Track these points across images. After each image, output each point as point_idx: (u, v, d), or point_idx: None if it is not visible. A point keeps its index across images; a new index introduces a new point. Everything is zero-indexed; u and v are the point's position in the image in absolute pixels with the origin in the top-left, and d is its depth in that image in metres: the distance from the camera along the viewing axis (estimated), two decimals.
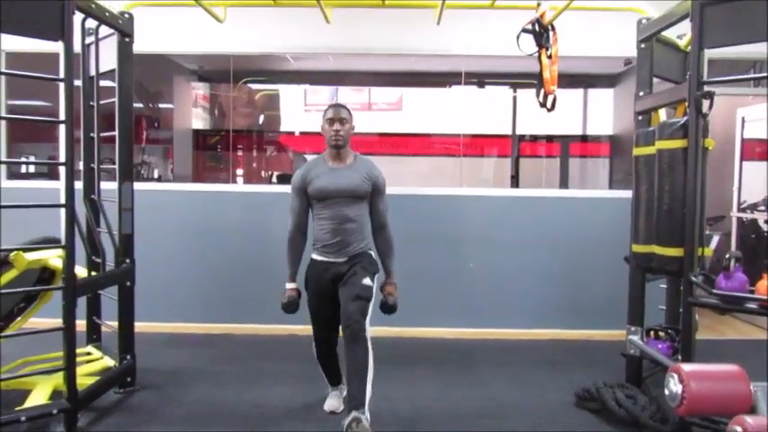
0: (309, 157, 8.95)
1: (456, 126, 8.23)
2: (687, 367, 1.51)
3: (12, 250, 2.86)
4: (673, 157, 2.85)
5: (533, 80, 3.44)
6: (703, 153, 2.76)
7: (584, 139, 8.59)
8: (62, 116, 2.78)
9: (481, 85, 8.45)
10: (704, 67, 2.74)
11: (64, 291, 2.79)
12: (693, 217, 2.72)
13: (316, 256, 3.06)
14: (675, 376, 1.51)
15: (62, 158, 2.79)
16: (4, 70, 2.81)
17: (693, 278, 2.68)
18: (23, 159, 6.00)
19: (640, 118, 3.33)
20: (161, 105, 8.11)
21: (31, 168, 6.61)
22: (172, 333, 4.54)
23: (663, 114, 3.33)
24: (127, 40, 3.34)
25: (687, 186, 2.73)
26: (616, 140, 8.27)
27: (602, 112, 8.39)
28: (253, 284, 4.63)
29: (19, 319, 3.47)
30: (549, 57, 3.25)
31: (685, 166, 2.76)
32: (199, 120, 8.70)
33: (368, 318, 2.83)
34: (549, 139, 8.67)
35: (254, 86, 8.60)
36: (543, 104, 3.34)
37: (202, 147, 8.61)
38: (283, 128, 8.75)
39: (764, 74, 2.61)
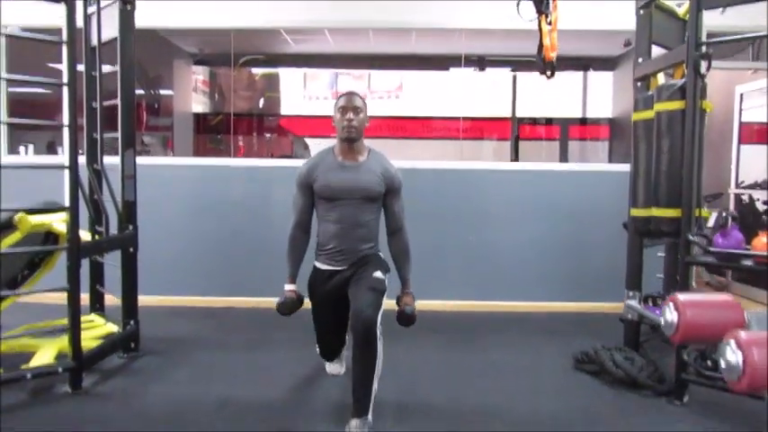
0: (309, 141, 9.01)
1: (456, 109, 8.26)
2: (683, 296, 1.54)
3: (16, 212, 2.89)
4: (671, 119, 2.88)
5: (533, 61, 3.46)
6: (701, 115, 2.79)
7: (583, 121, 8.62)
8: (65, 79, 2.81)
9: (481, 67, 8.47)
10: (702, 30, 2.75)
11: (68, 251, 2.82)
12: (691, 177, 2.75)
13: (319, 265, 2.81)
14: (671, 305, 1.54)
15: (66, 121, 2.82)
16: (6, 32, 2.83)
17: (691, 237, 2.71)
18: (25, 122, 5.98)
19: (639, 84, 3.35)
20: (161, 90, 8.12)
21: (31, 152, 6.65)
22: (174, 306, 4.57)
23: (661, 80, 3.35)
24: (128, 7, 3.35)
25: (685, 147, 2.76)
26: (615, 123, 8.31)
27: (602, 95, 8.42)
28: (254, 258, 4.67)
29: (22, 287, 3.50)
30: (549, 23, 3.27)
31: (683, 128, 2.79)
32: (199, 103, 8.72)
33: (380, 313, 2.50)
34: (549, 121, 8.70)
35: (255, 69, 8.62)
36: (543, 72, 3.36)
37: (203, 130, 8.64)
38: (284, 111, 8.78)
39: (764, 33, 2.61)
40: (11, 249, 2.89)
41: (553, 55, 3.30)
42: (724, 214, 2.72)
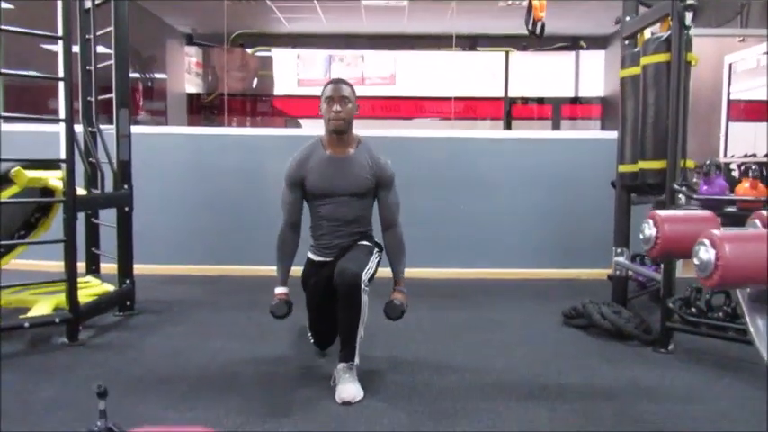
0: (302, 121, 9.03)
1: (448, 90, 8.31)
2: (662, 213, 1.60)
3: (13, 165, 2.92)
4: (657, 72, 2.93)
5: (524, 36, 3.51)
6: (686, 67, 2.84)
7: (575, 100, 8.69)
8: (59, 32, 2.84)
9: (472, 46, 8.51)
10: None
11: (65, 204, 2.86)
12: (677, 128, 2.81)
13: (312, 256, 2.73)
14: (650, 221, 1.60)
15: (61, 77, 2.85)
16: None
17: (676, 186, 2.77)
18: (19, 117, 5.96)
19: (627, 43, 3.41)
20: (154, 71, 8.12)
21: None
22: (169, 274, 4.61)
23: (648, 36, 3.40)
24: None
25: (670, 98, 2.81)
26: (607, 102, 8.37)
27: (594, 74, 8.49)
28: (249, 227, 4.70)
29: (19, 247, 3.53)
30: None
31: (669, 80, 2.84)
32: (192, 84, 8.73)
33: (366, 271, 2.42)
34: (541, 101, 8.76)
35: (248, 50, 8.64)
36: (533, 32, 3.41)
37: (196, 110, 8.66)
38: (277, 92, 8.81)
39: None
40: (7, 200, 2.92)
41: (542, 14, 3.35)
42: (708, 162, 2.78)
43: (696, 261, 1.36)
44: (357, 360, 2.39)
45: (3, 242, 3.01)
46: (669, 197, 2.81)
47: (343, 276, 2.34)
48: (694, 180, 3.13)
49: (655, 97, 2.95)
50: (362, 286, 2.35)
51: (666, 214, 1.59)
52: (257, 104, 8.90)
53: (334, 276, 2.39)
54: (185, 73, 8.74)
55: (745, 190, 2.66)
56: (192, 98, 8.71)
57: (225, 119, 8.36)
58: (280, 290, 2.63)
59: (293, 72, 8.82)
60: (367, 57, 8.96)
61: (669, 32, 2.86)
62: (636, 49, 3.23)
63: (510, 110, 8.47)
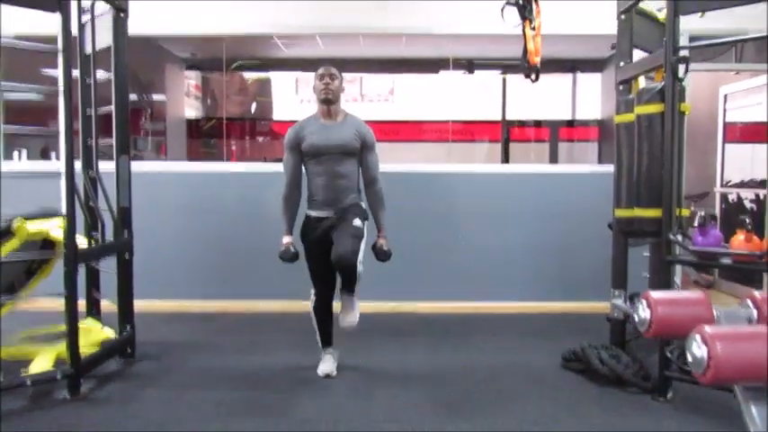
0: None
1: (445, 112, 8.34)
2: (655, 294, 1.62)
3: (13, 219, 2.94)
4: (651, 122, 2.96)
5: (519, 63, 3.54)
6: (680, 117, 2.88)
7: (572, 123, 8.71)
8: (60, 87, 2.87)
9: (470, 70, 8.55)
10: (680, 35, 2.84)
11: (65, 257, 2.88)
12: (671, 178, 2.83)
13: (310, 212, 3.21)
14: (644, 302, 1.62)
15: (61, 128, 2.88)
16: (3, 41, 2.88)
17: (671, 236, 2.79)
18: (21, 132, 5.98)
19: (621, 87, 3.44)
20: (154, 95, 8.15)
21: (24, 157, 6.67)
22: (169, 311, 4.63)
23: (643, 83, 3.43)
24: (122, 15, 3.42)
25: (665, 149, 2.84)
26: (604, 124, 8.40)
27: (591, 97, 8.52)
28: (248, 262, 4.72)
29: (19, 293, 3.54)
30: (533, 29, 3.35)
31: (662, 130, 2.87)
32: (191, 108, 8.76)
33: (359, 255, 3.02)
34: (538, 123, 8.79)
35: (247, 74, 8.68)
36: (528, 76, 3.44)
37: (196, 135, 8.68)
38: (276, 115, 8.84)
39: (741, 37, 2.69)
40: (9, 258, 2.94)
41: (537, 59, 3.38)
42: (702, 214, 2.80)
43: (689, 356, 1.38)
44: (356, 289, 3.15)
45: (2, 298, 3.01)
46: (665, 248, 2.83)
47: (341, 263, 2.97)
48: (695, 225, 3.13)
49: (649, 147, 2.98)
50: (358, 266, 3.01)
51: (659, 296, 1.61)
52: (256, 128, 8.93)
53: (332, 257, 2.97)
54: (185, 96, 8.77)
55: (740, 243, 2.68)
56: (190, 122, 8.73)
57: (224, 143, 8.39)
58: (286, 238, 3.21)
59: (292, 95, 8.86)
60: (365, 79, 9.00)
61: (663, 83, 2.89)
62: (630, 96, 3.26)
63: (508, 134, 8.49)
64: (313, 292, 3.26)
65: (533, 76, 3.48)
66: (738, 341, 1.34)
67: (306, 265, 3.25)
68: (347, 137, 3.13)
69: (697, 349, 1.35)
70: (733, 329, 1.38)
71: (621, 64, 3.41)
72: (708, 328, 1.35)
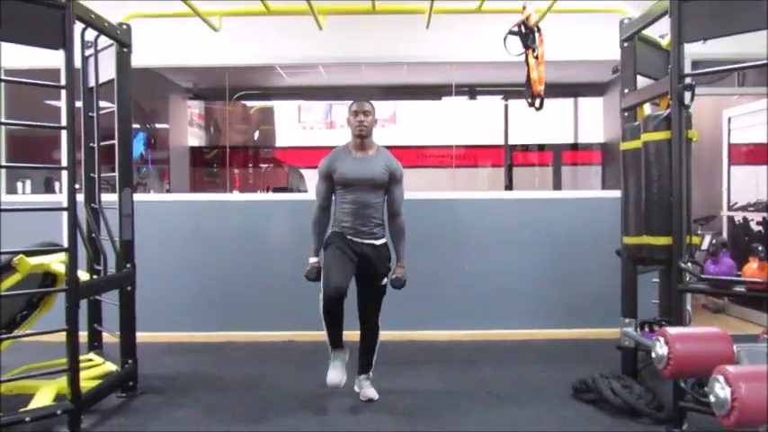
0: (305, 171, 9.08)
1: (448, 138, 8.34)
2: (672, 330, 1.57)
3: (15, 254, 2.91)
4: (658, 149, 2.94)
5: (522, 89, 3.54)
6: (687, 144, 2.85)
7: (575, 147, 8.71)
8: (63, 122, 2.86)
9: (472, 96, 8.59)
10: (685, 62, 2.83)
11: (67, 293, 2.83)
12: (680, 205, 2.79)
13: (336, 230, 3.33)
14: (661, 339, 1.57)
15: (64, 163, 2.87)
16: (4, 78, 2.88)
17: (682, 264, 2.74)
18: (25, 167, 5.98)
19: (626, 114, 3.42)
20: (157, 124, 8.18)
21: (28, 189, 6.68)
22: (172, 342, 4.57)
23: (647, 110, 3.42)
24: (125, 50, 3.43)
25: (673, 176, 2.81)
26: (607, 148, 8.40)
27: (593, 121, 8.53)
28: (251, 292, 4.69)
29: (21, 327, 3.50)
30: (536, 58, 3.35)
31: (670, 157, 2.84)
32: (195, 137, 8.79)
33: (381, 309, 3.36)
34: (541, 147, 8.79)
35: (249, 103, 8.72)
36: (532, 104, 3.43)
37: (199, 163, 8.70)
38: (279, 143, 8.86)
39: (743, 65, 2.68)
40: (10, 293, 2.90)
41: (541, 88, 3.38)
42: (714, 242, 2.76)
43: (712, 397, 1.33)
44: (372, 374, 3.40)
45: (3, 336, 2.97)
46: (676, 276, 2.79)
47: (367, 327, 3.35)
48: (703, 248, 3.09)
49: (657, 174, 2.95)
50: (378, 325, 3.37)
51: (677, 332, 1.56)
52: (259, 156, 8.94)
53: (360, 318, 3.34)
54: (188, 126, 8.81)
55: (753, 271, 2.63)
56: (194, 151, 8.76)
57: (228, 171, 8.40)
58: (313, 259, 3.34)
59: (295, 123, 8.89)
60: None
61: (669, 110, 2.87)
62: (636, 123, 3.24)
63: (511, 159, 8.49)
64: (321, 297, 3.13)
65: (537, 105, 3.46)
66: (763, 381, 1.29)
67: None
68: (377, 171, 3.27)
69: (720, 390, 1.31)
70: (758, 369, 1.33)
71: (626, 91, 3.41)
72: (731, 368, 1.31)
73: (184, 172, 8.51)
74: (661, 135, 2.91)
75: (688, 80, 2.74)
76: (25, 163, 5.17)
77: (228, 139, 8.39)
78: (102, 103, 3.61)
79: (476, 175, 8.50)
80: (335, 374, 3.21)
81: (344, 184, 3.28)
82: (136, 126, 7.46)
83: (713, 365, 1.50)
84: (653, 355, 1.58)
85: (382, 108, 8.91)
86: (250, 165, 8.90)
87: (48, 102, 5.84)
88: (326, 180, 3.34)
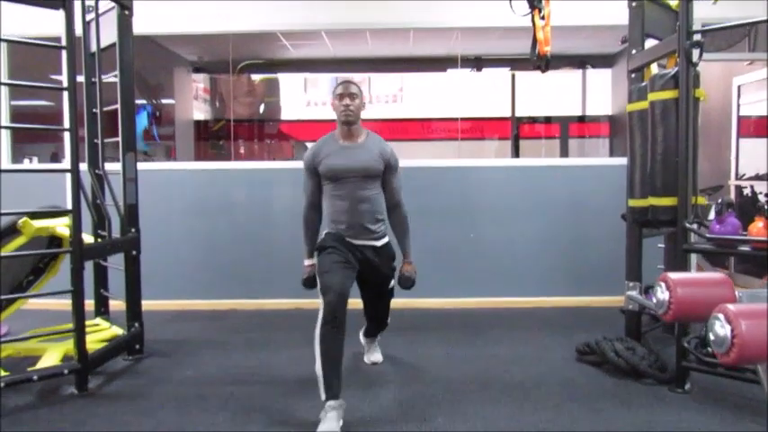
0: (310, 145, 9.06)
1: (454, 110, 8.28)
2: (674, 275, 1.56)
3: (20, 216, 2.92)
4: (665, 108, 2.90)
5: (529, 58, 3.49)
6: (694, 103, 2.81)
7: (583, 119, 8.63)
8: (64, 83, 2.85)
9: (478, 67, 8.50)
10: (693, 21, 2.77)
11: (72, 254, 2.85)
12: (686, 165, 2.77)
13: (331, 230, 2.97)
14: (663, 284, 1.56)
15: (66, 125, 2.86)
16: (5, 38, 2.86)
17: (687, 224, 2.72)
18: (27, 129, 6.00)
19: (633, 76, 3.38)
20: (162, 99, 8.16)
21: (35, 163, 6.69)
22: (179, 310, 4.61)
23: (655, 70, 3.37)
24: (126, 12, 3.40)
25: (679, 135, 2.78)
26: (615, 120, 8.32)
27: (601, 93, 8.44)
28: (257, 260, 4.70)
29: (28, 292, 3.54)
30: (542, 18, 3.30)
31: (677, 116, 2.81)
32: (200, 111, 8.77)
33: (390, 308, 3.28)
34: (548, 120, 8.71)
35: (254, 75, 8.67)
36: (537, 66, 3.39)
37: (204, 137, 8.69)
38: (284, 116, 8.83)
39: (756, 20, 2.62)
40: (15, 253, 2.92)
41: (547, 49, 3.32)
42: (720, 201, 2.73)
43: (712, 336, 1.32)
44: (379, 337, 3.40)
45: (10, 296, 3.00)
46: (681, 235, 2.77)
47: (378, 322, 3.30)
48: (711, 218, 3.06)
49: (663, 134, 2.91)
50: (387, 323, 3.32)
51: (679, 277, 1.55)
52: (264, 130, 8.91)
53: (370, 309, 3.24)
54: (193, 99, 8.79)
55: (758, 230, 2.61)
56: (199, 125, 8.74)
57: (232, 145, 8.39)
58: (308, 261, 3.03)
59: (300, 96, 8.84)
60: (373, 78, 8.97)
61: (676, 69, 2.82)
62: (643, 84, 3.20)
63: (518, 131, 8.42)
64: (321, 313, 2.59)
65: (543, 67, 3.42)
66: (763, 318, 1.28)
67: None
68: (369, 159, 2.91)
69: (720, 328, 1.30)
70: (758, 307, 1.32)
71: (633, 52, 3.35)
72: (731, 307, 1.30)
73: (190, 147, 8.50)
74: (668, 94, 2.87)
75: (697, 37, 2.69)
76: (31, 141, 5.17)
77: (233, 113, 8.37)
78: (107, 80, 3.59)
79: (482, 147, 8.45)
80: (329, 426, 2.40)
81: (333, 177, 2.89)
82: (141, 102, 7.44)
83: (714, 309, 1.49)
84: (654, 300, 1.56)
85: (389, 83, 8.83)
86: (255, 138, 8.88)
87: (53, 77, 5.83)
88: (313, 175, 2.96)
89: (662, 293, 1.55)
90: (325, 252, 2.85)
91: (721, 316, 1.29)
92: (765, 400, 2.51)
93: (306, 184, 3.01)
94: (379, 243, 3.00)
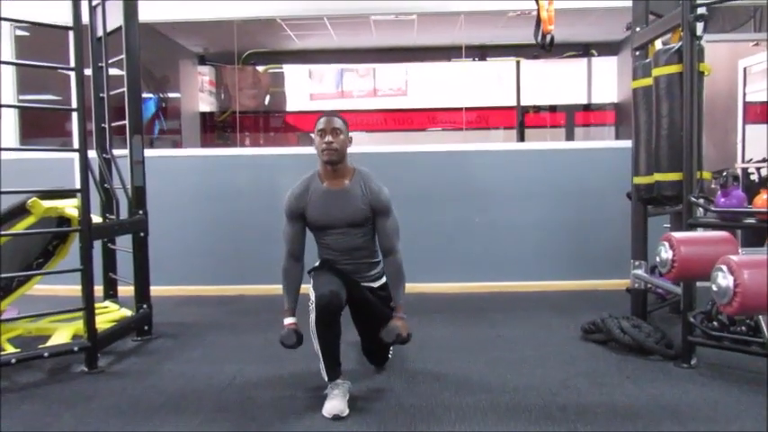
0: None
1: (458, 100, 8.28)
2: (677, 234, 1.57)
3: (29, 196, 2.96)
4: (670, 83, 2.90)
5: (534, 45, 3.49)
6: (699, 77, 2.81)
7: (588, 107, 8.62)
8: (72, 64, 2.88)
9: (482, 56, 8.50)
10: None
11: (80, 233, 2.88)
12: (691, 140, 2.77)
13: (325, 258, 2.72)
14: (666, 244, 1.57)
15: (74, 105, 2.89)
16: (8, 18, 2.88)
17: (692, 198, 2.72)
18: (33, 108, 6.03)
19: (638, 53, 3.38)
20: (168, 91, 8.20)
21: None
22: (187, 295, 4.64)
23: (659, 47, 3.37)
24: None
25: (684, 109, 2.78)
26: (621, 108, 8.30)
27: (607, 81, 8.42)
28: (264, 246, 4.69)
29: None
30: None
31: (682, 91, 2.81)
32: (205, 103, 8.81)
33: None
34: (554, 108, 8.70)
35: (259, 67, 8.70)
36: (542, 45, 3.39)
37: (210, 128, 8.73)
38: (289, 107, 8.85)
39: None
40: (23, 231, 2.96)
41: (551, 28, 3.33)
42: (725, 173, 2.74)
43: (714, 287, 1.33)
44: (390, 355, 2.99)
45: (20, 273, 3.04)
46: (686, 210, 2.77)
47: (380, 362, 2.94)
48: (713, 186, 3.07)
49: (668, 109, 2.92)
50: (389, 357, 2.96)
51: (682, 236, 1.56)
52: (270, 121, 8.94)
53: (367, 353, 2.93)
54: (198, 92, 8.83)
55: (763, 202, 2.60)
56: (205, 116, 8.78)
57: (237, 136, 8.42)
58: (288, 320, 2.64)
59: (305, 87, 8.85)
60: (378, 69, 8.97)
61: (680, 43, 2.82)
62: (647, 60, 3.20)
63: (523, 119, 8.41)
64: (312, 303, 2.48)
65: (547, 46, 3.42)
66: (765, 269, 1.29)
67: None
68: (355, 206, 2.62)
69: (722, 279, 1.31)
70: (760, 258, 1.33)
71: (637, 29, 3.35)
72: (734, 257, 1.31)
73: (196, 138, 8.54)
74: (672, 69, 2.87)
75: (701, 11, 2.69)
76: (36, 139, 5.19)
77: (238, 104, 8.40)
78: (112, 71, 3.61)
79: (487, 137, 8.44)
80: (336, 405, 2.39)
81: (318, 227, 2.67)
82: (148, 95, 7.48)
83: None
84: (657, 259, 1.57)
85: (393, 76, 8.84)
86: (261, 130, 8.91)
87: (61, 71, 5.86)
88: (295, 221, 2.68)
89: (665, 253, 1.56)
90: (318, 266, 2.69)
91: (724, 267, 1.30)
92: None
93: (286, 232, 2.70)
94: (376, 284, 2.77)
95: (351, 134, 2.71)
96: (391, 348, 2.90)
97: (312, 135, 2.64)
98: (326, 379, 2.50)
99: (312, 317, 2.47)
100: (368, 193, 2.64)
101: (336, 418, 2.36)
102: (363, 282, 2.72)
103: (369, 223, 2.68)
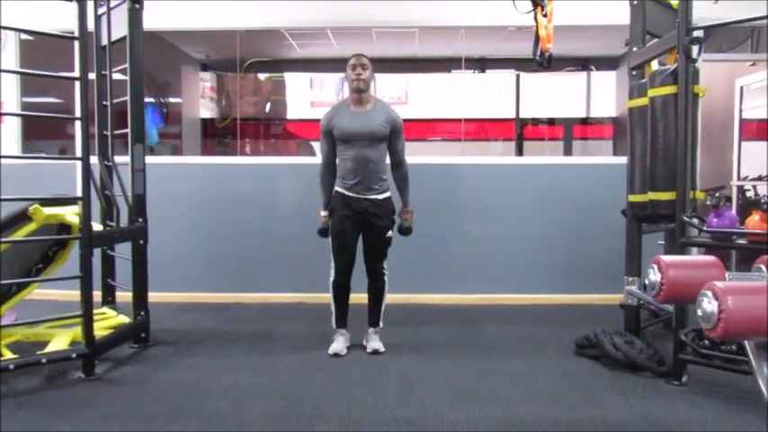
0: (315, 144, 9.11)
1: (458, 111, 8.32)
2: (666, 257, 1.61)
3: (31, 203, 2.99)
4: (664, 104, 2.95)
5: (532, 59, 3.54)
6: (693, 98, 2.86)
7: (587, 121, 8.67)
8: (77, 73, 2.92)
9: (482, 68, 8.56)
10: (692, 15, 2.82)
11: (81, 240, 2.91)
12: (685, 160, 2.81)
13: (340, 190, 3.37)
14: (655, 266, 1.61)
15: (77, 114, 2.93)
16: (16, 28, 2.93)
17: (685, 218, 2.76)
18: (36, 116, 6.06)
19: (634, 73, 3.43)
20: (169, 97, 8.23)
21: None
22: (184, 302, 4.66)
23: (655, 67, 3.42)
24: (137, 6, 3.47)
25: (678, 130, 2.82)
26: (619, 122, 8.35)
27: (605, 95, 8.48)
28: (262, 254, 4.76)
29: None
30: (545, 15, 3.35)
31: (676, 111, 2.85)
32: (206, 109, 8.85)
33: (386, 258, 3.43)
34: (552, 121, 8.75)
35: (261, 75, 8.75)
36: (540, 62, 3.44)
37: (210, 135, 8.75)
38: (290, 115, 8.89)
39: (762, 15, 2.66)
40: (24, 239, 2.99)
41: (549, 46, 3.38)
42: (717, 195, 2.78)
43: (699, 312, 1.37)
44: (381, 324, 3.47)
45: (20, 281, 3.06)
46: (679, 229, 2.81)
47: (374, 276, 3.42)
48: (708, 202, 3.11)
49: (663, 129, 2.96)
50: (384, 273, 3.43)
51: (671, 260, 1.60)
52: (270, 128, 8.97)
53: (366, 263, 3.40)
54: (200, 98, 8.87)
55: (755, 223, 2.65)
56: (206, 123, 8.81)
57: (238, 143, 8.45)
58: (323, 213, 3.42)
59: (306, 95, 8.89)
60: (379, 79, 9.00)
61: (676, 65, 2.87)
62: (643, 80, 3.25)
63: (522, 132, 8.46)
64: (333, 266, 3.36)
65: (545, 63, 3.47)
66: (749, 294, 1.33)
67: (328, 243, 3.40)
68: (376, 124, 3.27)
69: (708, 304, 1.35)
70: (744, 284, 1.37)
71: (634, 49, 3.40)
72: (719, 283, 1.35)
73: (196, 145, 8.56)
74: (667, 90, 2.91)
75: (696, 34, 2.74)
76: (39, 141, 5.22)
77: (239, 111, 8.43)
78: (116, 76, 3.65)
79: (486, 148, 8.49)
80: (338, 345, 3.34)
81: (344, 139, 3.29)
82: (149, 100, 7.51)
83: None
84: (646, 281, 1.61)
85: (394, 85, 8.89)
86: (261, 137, 8.94)
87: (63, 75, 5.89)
88: (328, 137, 3.37)
89: (654, 275, 1.60)
90: (333, 219, 3.35)
91: (709, 292, 1.33)
92: (760, 392, 2.56)
93: (322, 146, 3.41)
94: (380, 197, 3.34)
95: None
96: (385, 270, 3.43)
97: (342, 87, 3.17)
98: (335, 326, 3.43)
99: (330, 280, 3.39)
100: (388, 116, 3.32)
101: (336, 355, 3.27)
102: (371, 194, 3.31)
103: (385, 141, 3.31)
